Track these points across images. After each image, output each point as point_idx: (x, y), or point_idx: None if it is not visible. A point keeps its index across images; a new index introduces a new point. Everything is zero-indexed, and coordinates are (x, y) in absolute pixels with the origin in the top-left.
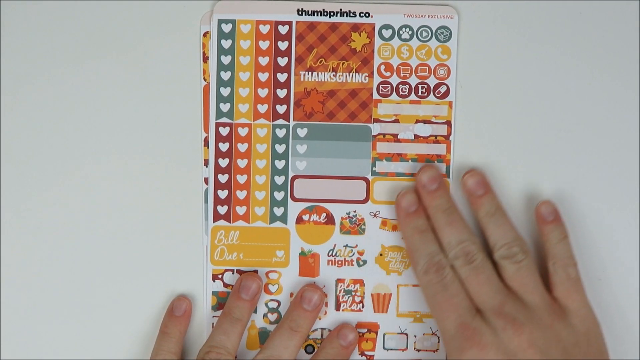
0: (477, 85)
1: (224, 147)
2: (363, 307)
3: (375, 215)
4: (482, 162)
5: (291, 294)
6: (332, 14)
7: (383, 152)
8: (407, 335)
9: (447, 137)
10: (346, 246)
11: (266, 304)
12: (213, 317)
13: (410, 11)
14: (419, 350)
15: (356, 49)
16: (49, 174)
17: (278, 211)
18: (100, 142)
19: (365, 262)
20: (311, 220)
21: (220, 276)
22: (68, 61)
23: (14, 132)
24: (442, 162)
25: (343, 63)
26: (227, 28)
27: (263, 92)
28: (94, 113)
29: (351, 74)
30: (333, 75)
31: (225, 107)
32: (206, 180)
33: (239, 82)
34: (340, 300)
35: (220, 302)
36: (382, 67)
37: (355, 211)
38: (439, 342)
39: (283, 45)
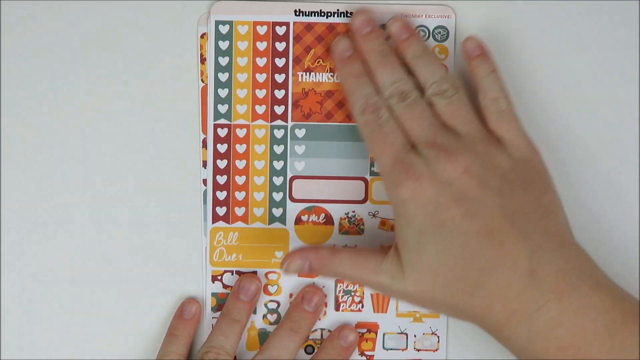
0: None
1: (222, 148)
2: (362, 307)
3: (374, 215)
4: None
5: (290, 295)
6: (329, 14)
7: None
8: (406, 335)
9: None
10: (345, 246)
11: (265, 305)
12: (212, 318)
13: (407, 11)
14: (418, 350)
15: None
16: (47, 175)
17: (277, 212)
18: (99, 144)
19: None
20: (310, 220)
21: (219, 277)
22: (66, 62)
23: (13, 133)
24: None
25: None
26: (224, 29)
27: (261, 93)
28: (92, 115)
29: None
30: (331, 75)
31: (223, 109)
32: (205, 182)
33: (236, 83)
34: (340, 300)
35: (220, 303)
36: None
37: (354, 211)
38: (438, 341)
39: (280, 46)
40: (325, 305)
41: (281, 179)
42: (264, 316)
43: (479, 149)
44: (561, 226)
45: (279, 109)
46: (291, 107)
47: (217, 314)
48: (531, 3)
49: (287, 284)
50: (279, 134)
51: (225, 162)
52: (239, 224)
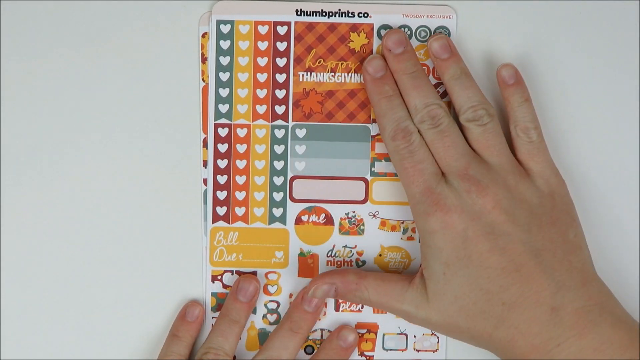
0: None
1: (222, 148)
2: (362, 307)
3: (374, 215)
4: None
5: (290, 295)
6: (330, 14)
7: (382, 152)
8: (406, 335)
9: None
10: (345, 247)
11: (265, 305)
12: (212, 317)
13: (408, 11)
14: (418, 351)
15: (355, 49)
16: (47, 174)
17: (277, 212)
18: (99, 143)
19: (364, 262)
20: (310, 220)
21: (219, 277)
22: (66, 62)
23: (14, 133)
24: None
25: (342, 63)
26: (225, 29)
27: (262, 93)
28: (93, 114)
29: (350, 74)
30: (332, 75)
31: (224, 108)
32: (205, 182)
33: (237, 83)
34: (340, 301)
35: (220, 303)
36: None
37: (354, 212)
38: (438, 342)
39: (282, 46)
40: (325, 306)
41: (281, 178)
42: (264, 316)
43: (509, 182)
44: (585, 261)
45: (280, 109)
46: (292, 107)
47: (217, 313)
48: (531, 3)
49: (287, 284)
50: (279, 133)
51: (225, 161)
52: (239, 224)
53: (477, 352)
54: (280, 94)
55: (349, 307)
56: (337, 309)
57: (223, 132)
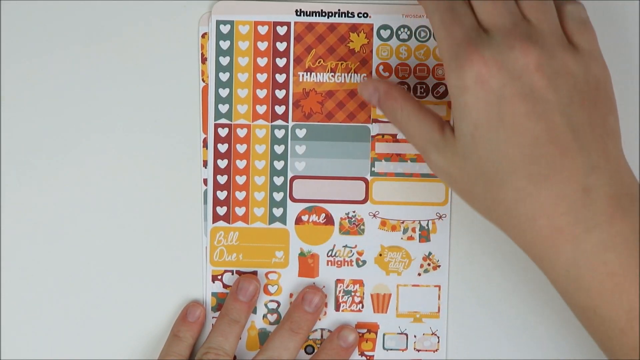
0: None
1: (222, 148)
2: (363, 307)
3: (374, 215)
4: None
5: (291, 295)
6: (330, 14)
7: (382, 152)
8: (406, 335)
9: None
10: (345, 246)
11: (266, 305)
12: (212, 317)
13: (408, 11)
14: (418, 351)
15: (355, 50)
16: (47, 175)
17: (277, 212)
18: (100, 144)
19: (364, 262)
20: (310, 220)
21: (219, 277)
22: (66, 62)
23: (14, 133)
24: None
25: (342, 63)
26: (225, 29)
27: (262, 93)
28: (92, 114)
29: (350, 74)
30: (332, 75)
31: (224, 108)
32: (205, 182)
33: (237, 83)
34: (340, 300)
35: (220, 303)
36: (381, 67)
37: (354, 211)
38: (438, 342)
39: (281, 46)
40: (326, 306)
41: (282, 178)
42: (264, 316)
43: (557, 49)
44: (620, 150)
45: (280, 109)
46: (292, 107)
47: (217, 313)
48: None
49: (287, 284)
50: (279, 133)
51: (225, 161)
52: (240, 224)
53: (478, 351)
54: (280, 94)
55: (349, 306)
56: (337, 308)
57: (223, 132)
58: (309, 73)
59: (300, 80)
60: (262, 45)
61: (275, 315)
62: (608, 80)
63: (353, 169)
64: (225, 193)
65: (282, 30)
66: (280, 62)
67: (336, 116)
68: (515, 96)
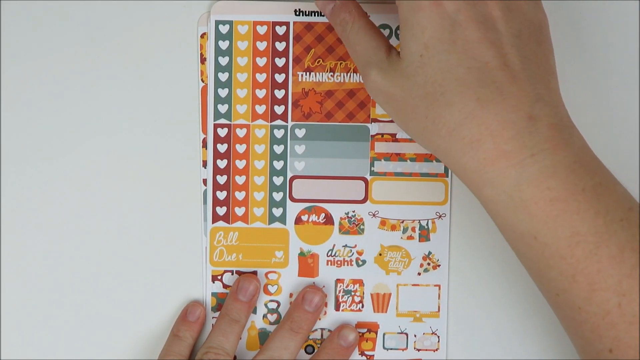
0: None
1: (222, 148)
2: (363, 307)
3: (374, 215)
4: None
5: (291, 295)
6: None
7: (381, 151)
8: (407, 334)
9: None
10: (345, 246)
11: (266, 305)
12: (212, 317)
13: None
14: (418, 350)
15: None
16: (47, 175)
17: (277, 212)
18: (99, 144)
19: (364, 262)
20: (310, 220)
21: (219, 277)
22: (66, 62)
23: (14, 133)
24: (441, 161)
25: (341, 63)
26: (224, 29)
27: (261, 93)
28: (92, 114)
29: (349, 73)
30: (331, 75)
31: (223, 108)
32: (205, 182)
33: (236, 83)
34: (340, 300)
35: (220, 303)
36: None
37: (354, 211)
38: (438, 341)
39: (280, 46)
40: (326, 305)
41: (281, 178)
42: (264, 316)
43: None
44: (558, 88)
45: (279, 109)
46: (291, 107)
47: (217, 313)
48: None
49: (287, 284)
50: (279, 133)
51: (225, 162)
52: (239, 224)
53: (478, 350)
54: (279, 94)
55: (349, 306)
56: (337, 308)
57: (222, 132)
58: (308, 73)
59: (300, 80)
60: (261, 45)
61: (275, 315)
62: (547, 25)
63: (352, 169)
64: (224, 193)
65: (281, 30)
66: (280, 62)
67: (335, 116)
68: (469, 21)
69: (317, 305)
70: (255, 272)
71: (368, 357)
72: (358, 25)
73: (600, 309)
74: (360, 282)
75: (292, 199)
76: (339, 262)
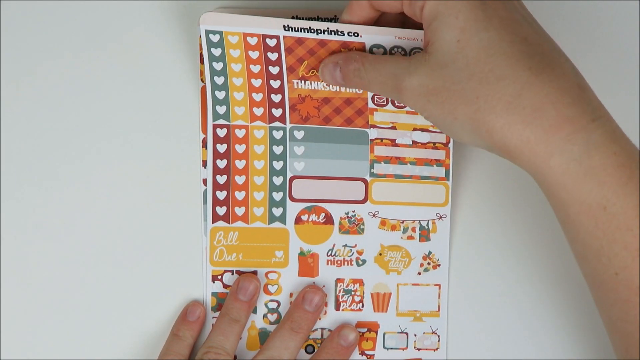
0: None
1: (221, 148)
2: (363, 306)
3: (374, 215)
4: (483, 167)
5: (291, 294)
6: (319, 31)
7: (381, 155)
8: (407, 334)
9: (446, 144)
10: (345, 246)
11: (266, 305)
12: (213, 317)
13: (401, 34)
14: (419, 349)
15: None
16: (47, 175)
17: (277, 212)
18: (99, 143)
19: (364, 261)
20: (310, 220)
21: (219, 277)
22: (66, 62)
23: (13, 134)
24: (442, 166)
25: None
26: (215, 38)
27: (258, 97)
28: (92, 114)
29: None
30: (326, 85)
31: (221, 110)
32: (204, 182)
33: (232, 87)
34: (340, 300)
35: (220, 303)
36: None
37: (354, 211)
38: (438, 340)
39: (273, 56)
40: (326, 305)
41: (281, 178)
42: (264, 316)
43: None
44: None
45: (277, 112)
46: (289, 111)
47: (218, 313)
48: (531, 3)
49: (287, 284)
50: (277, 134)
51: (225, 162)
52: (239, 224)
53: (478, 350)
54: (276, 98)
55: (349, 306)
56: (337, 308)
57: (222, 132)
58: (303, 81)
59: (295, 87)
60: (254, 54)
61: (275, 315)
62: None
63: (352, 170)
64: (224, 193)
65: (271, 42)
66: (274, 69)
67: (333, 120)
68: (497, 3)
69: (317, 305)
70: (255, 272)
71: (368, 356)
72: (369, 62)
73: None
74: (361, 282)
75: (292, 199)
76: (339, 262)
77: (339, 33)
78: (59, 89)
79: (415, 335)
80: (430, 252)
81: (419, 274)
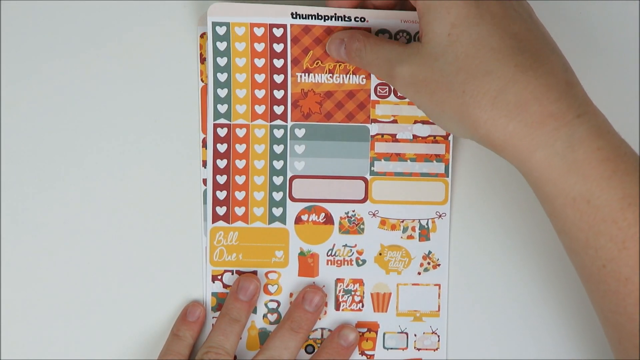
0: None
1: (222, 148)
2: (363, 306)
3: (374, 214)
4: (482, 161)
5: (291, 294)
6: (326, 17)
7: (381, 152)
8: (407, 334)
9: (446, 137)
10: (345, 246)
11: (266, 305)
12: (213, 317)
13: (407, 17)
14: (419, 349)
15: None
16: (48, 176)
17: (277, 211)
18: (99, 143)
19: (364, 261)
20: (310, 220)
21: (219, 277)
22: (66, 62)
23: (14, 133)
24: (441, 161)
25: (340, 65)
26: (221, 30)
27: (260, 93)
28: (92, 115)
29: (348, 75)
30: (330, 76)
31: (222, 108)
32: (205, 182)
33: (235, 84)
34: (340, 300)
35: (220, 303)
36: None
37: (354, 211)
38: (438, 340)
39: (278, 47)
40: (326, 305)
41: (281, 178)
42: (264, 316)
43: None
44: None
45: (279, 109)
46: (290, 107)
47: (217, 313)
48: (531, 3)
49: (287, 284)
50: (278, 133)
51: (225, 161)
52: (239, 224)
53: (478, 350)
54: (278, 94)
55: (349, 305)
56: (337, 308)
57: (222, 132)
58: (307, 74)
59: (299, 81)
60: (259, 47)
61: (275, 315)
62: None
63: (352, 169)
64: (224, 193)
65: (278, 32)
66: (278, 62)
67: (335, 116)
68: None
69: (317, 305)
70: (255, 272)
71: (368, 356)
72: (370, 44)
73: None
74: (361, 282)
75: (292, 199)
76: (339, 262)
77: (346, 19)
78: (58, 89)
79: (415, 335)
80: (430, 252)
81: (419, 273)
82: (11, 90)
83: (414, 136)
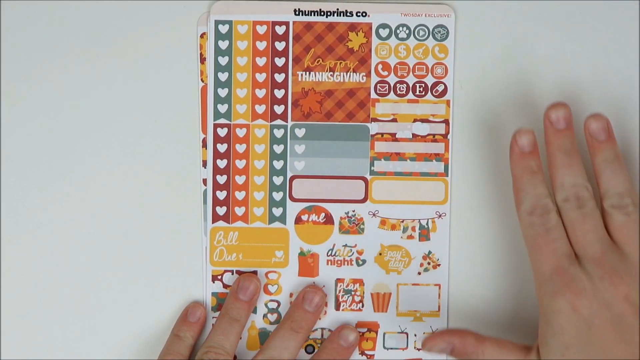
0: (475, 83)
1: (222, 148)
2: (363, 306)
3: (374, 214)
4: (481, 160)
5: (291, 294)
6: (329, 13)
7: (381, 151)
8: (407, 334)
9: (445, 135)
10: (345, 246)
11: (266, 305)
12: (213, 317)
13: (407, 10)
14: (419, 349)
15: (353, 49)
16: (47, 176)
17: (277, 211)
18: (99, 144)
19: (364, 261)
20: (310, 220)
21: (219, 277)
22: (66, 62)
23: (14, 134)
24: (441, 160)
25: (340, 63)
26: (224, 29)
27: (261, 93)
28: (92, 115)
29: (349, 73)
30: (330, 75)
31: (223, 108)
32: (205, 182)
33: (236, 83)
34: (340, 300)
35: (220, 303)
36: (380, 66)
37: (354, 211)
38: None
39: (280, 46)
40: (326, 305)
41: (281, 178)
42: (264, 316)
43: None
44: None
45: (279, 109)
46: (291, 107)
47: (218, 313)
48: (531, 3)
49: (287, 284)
50: (278, 133)
51: (225, 161)
52: (239, 224)
53: None
54: (279, 93)
55: (349, 306)
56: (337, 308)
57: (222, 132)
58: (307, 72)
59: (299, 79)
60: (261, 45)
61: (275, 315)
62: None
63: (352, 168)
64: (224, 193)
65: (280, 30)
66: (279, 61)
67: (335, 115)
68: (605, 325)
69: (317, 305)
70: (255, 272)
71: (368, 356)
72: (489, 351)
73: None
74: (361, 282)
75: (292, 199)
76: (339, 262)
77: (348, 14)
78: (58, 89)
79: (415, 335)
80: (430, 252)
81: (419, 273)
82: (11, 90)
83: (414, 135)
